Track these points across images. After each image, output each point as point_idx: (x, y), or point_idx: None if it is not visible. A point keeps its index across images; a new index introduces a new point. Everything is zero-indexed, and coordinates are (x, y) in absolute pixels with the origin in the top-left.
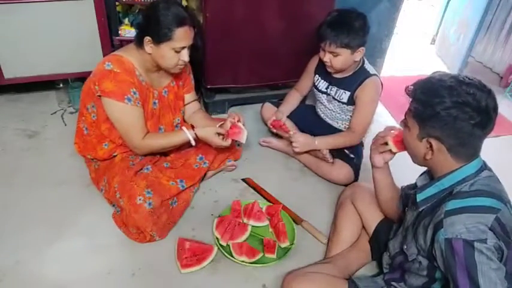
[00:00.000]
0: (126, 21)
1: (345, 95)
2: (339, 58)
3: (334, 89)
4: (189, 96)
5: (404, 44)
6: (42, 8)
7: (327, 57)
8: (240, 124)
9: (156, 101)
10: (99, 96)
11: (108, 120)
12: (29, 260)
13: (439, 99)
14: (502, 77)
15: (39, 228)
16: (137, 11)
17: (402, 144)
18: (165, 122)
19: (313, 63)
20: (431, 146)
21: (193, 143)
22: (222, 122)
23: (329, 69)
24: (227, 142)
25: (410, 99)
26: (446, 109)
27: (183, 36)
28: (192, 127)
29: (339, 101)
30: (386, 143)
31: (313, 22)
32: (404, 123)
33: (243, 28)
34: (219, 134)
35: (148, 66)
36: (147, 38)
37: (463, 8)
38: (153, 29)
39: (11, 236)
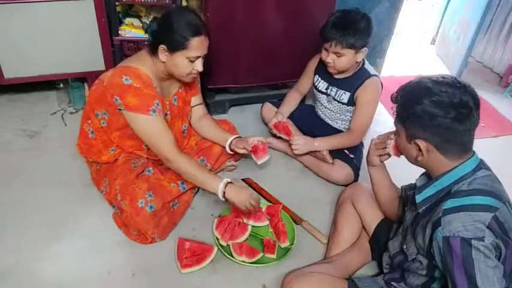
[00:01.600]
0: (126, 21)
1: (345, 96)
2: (343, 59)
3: (334, 89)
4: (195, 99)
5: (404, 44)
6: (42, 8)
7: (330, 58)
8: (267, 147)
9: (168, 112)
10: (120, 109)
11: (121, 129)
12: (29, 260)
13: (417, 100)
14: (502, 77)
15: (40, 228)
16: (152, 18)
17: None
18: (174, 130)
19: (313, 64)
20: (420, 148)
21: (221, 198)
22: (244, 139)
23: (331, 70)
24: (255, 206)
25: (395, 105)
26: (424, 109)
27: (198, 46)
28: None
29: (339, 102)
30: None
31: (314, 22)
32: (396, 129)
33: (243, 28)
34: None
35: (161, 75)
36: (162, 47)
37: (463, 8)
38: (168, 37)
39: (11, 236)
